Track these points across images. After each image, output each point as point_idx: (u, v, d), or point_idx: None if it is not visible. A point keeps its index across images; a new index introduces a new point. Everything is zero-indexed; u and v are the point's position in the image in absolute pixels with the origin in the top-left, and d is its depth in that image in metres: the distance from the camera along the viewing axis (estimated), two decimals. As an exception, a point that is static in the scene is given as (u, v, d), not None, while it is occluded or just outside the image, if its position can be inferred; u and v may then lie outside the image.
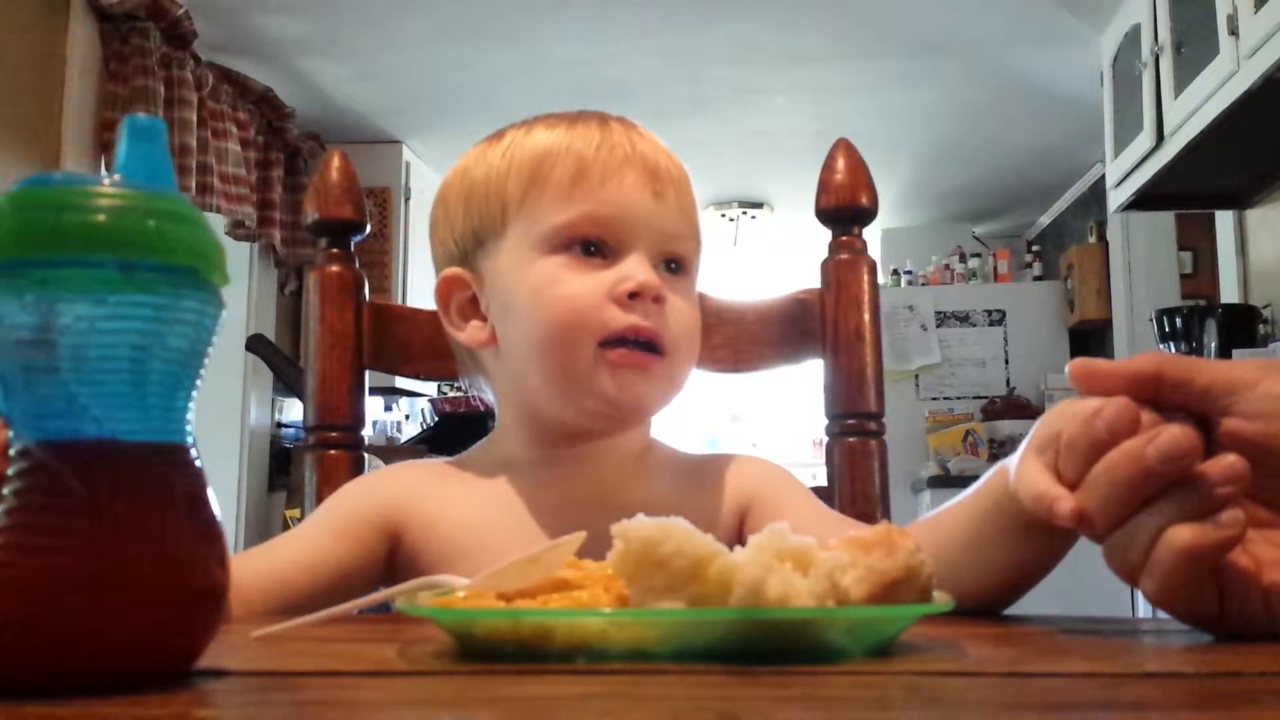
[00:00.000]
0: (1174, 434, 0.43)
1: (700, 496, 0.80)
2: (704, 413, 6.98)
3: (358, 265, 0.99)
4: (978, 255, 5.14)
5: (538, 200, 0.75)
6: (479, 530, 0.77)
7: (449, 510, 0.78)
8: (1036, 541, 0.55)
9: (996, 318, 4.90)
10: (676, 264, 0.78)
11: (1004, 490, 0.53)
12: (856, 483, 0.95)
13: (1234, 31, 2.28)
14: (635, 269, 0.74)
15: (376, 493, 0.80)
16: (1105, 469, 0.45)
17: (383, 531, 0.78)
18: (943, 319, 4.90)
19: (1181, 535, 0.43)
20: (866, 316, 0.96)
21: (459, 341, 0.82)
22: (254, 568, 0.72)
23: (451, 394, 4.19)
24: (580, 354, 0.73)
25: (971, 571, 0.57)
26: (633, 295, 0.73)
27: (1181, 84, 2.58)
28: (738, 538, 0.78)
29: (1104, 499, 0.45)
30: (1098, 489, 0.45)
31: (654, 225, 0.76)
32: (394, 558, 0.78)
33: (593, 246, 0.75)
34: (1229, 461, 0.44)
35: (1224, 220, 3.32)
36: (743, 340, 0.99)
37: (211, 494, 0.39)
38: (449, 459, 0.84)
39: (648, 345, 0.74)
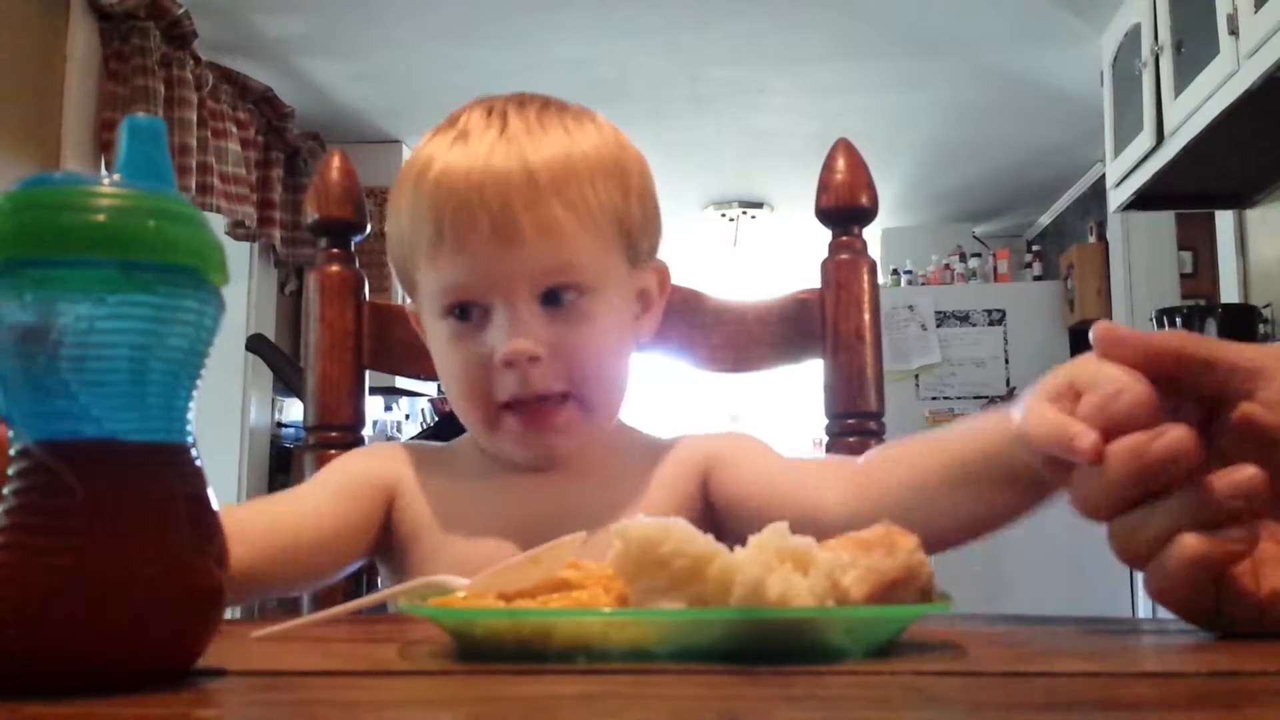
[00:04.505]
0: (1178, 435, 0.43)
1: (661, 468, 0.81)
2: (704, 413, 6.98)
3: (358, 265, 0.99)
4: (978, 255, 5.13)
5: (426, 265, 0.75)
6: (453, 504, 0.80)
7: (430, 482, 0.81)
8: (1015, 495, 0.56)
9: (996, 317, 4.90)
10: (565, 293, 0.74)
11: (999, 439, 0.53)
12: (856, 483, 0.95)
13: (1234, 31, 2.29)
14: (496, 338, 0.73)
15: (376, 460, 0.84)
16: (1111, 456, 0.44)
17: (380, 495, 0.81)
18: (943, 319, 4.90)
19: (1192, 545, 0.44)
20: (866, 316, 0.96)
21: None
22: (259, 511, 0.76)
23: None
24: (479, 417, 0.76)
25: (945, 516, 0.60)
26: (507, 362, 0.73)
27: (1181, 84, 2.58)
28: (703, 505, 0.79)
29: (1107, 484, 0.45)
30: (1104, 472, 0.45)
31: (515, 274, 0.72)
32: (387, 522, 0.81)
33: (463, 311, 0.75)
34: (1248, 474, 0.44)
35: (1224, 220, 3.32)
36: (743, 340, 0.99)
37: (211, 494, 0.39)
38: (441, 444, 0.87)
39: (546, 397, 0.74)
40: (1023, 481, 0.53)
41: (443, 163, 0.74)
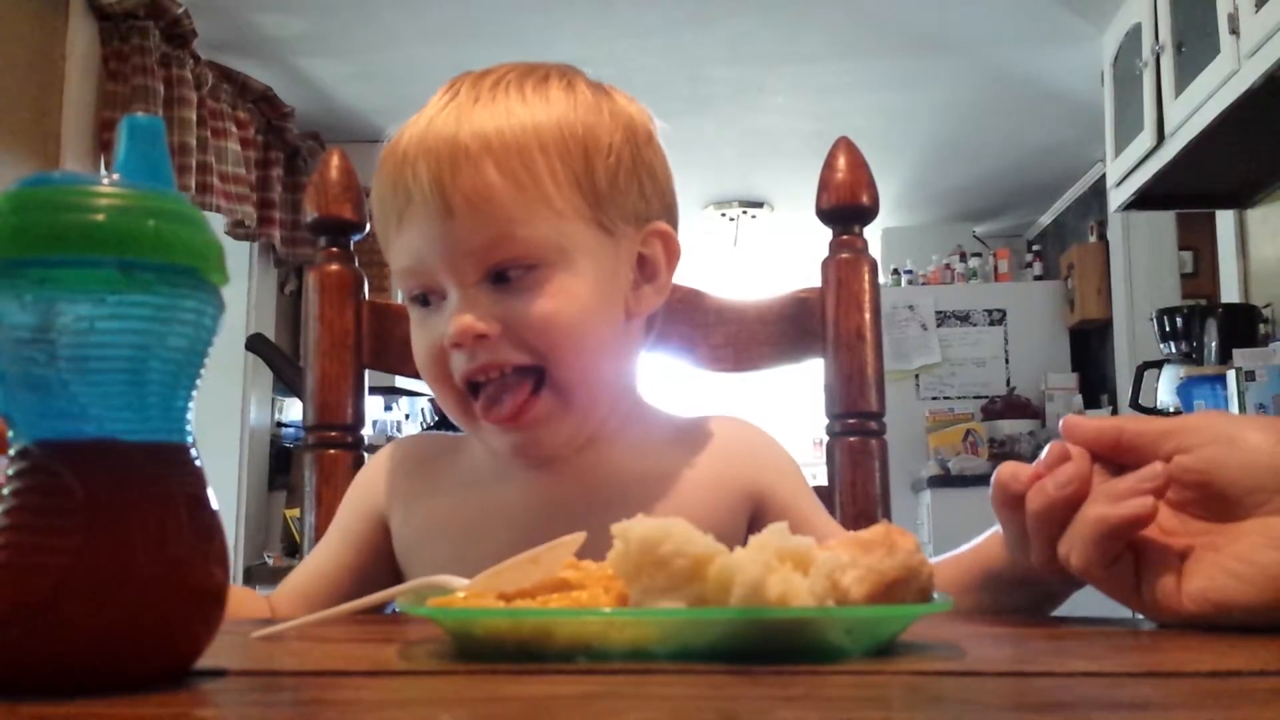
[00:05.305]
0: (1067, 469, 0.54)
1: (695, 466, 0.77)
2: (703, 412, 6.96)
3: (357, 264, 0.99)
4: (978, 255, 5.13)
5: (387, 250, 0.74)
6: (447, 516, 0.78)
7: (421, 502, 0.79)
8: (1024, 595, 0.63)
9: (997, 317, 4.90)
10: (512, 269, 0.70)
11: (996, 548, 0.62)
12: (857, 482, 0.95)
13: (1235, 31, 2.28)
14: (443, 321, 0.70)
15: (366, 485, 0.83)
16: (1028, 499, 0.54)
17: (375, 526, 0.80)
18: (943, 318, 4.90)
19: (1094, 509, 0.52)
20: (867, 316, 0.96)
21: None
22: (287, 590, 0.79)
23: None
24: (454, 408, 0.74)
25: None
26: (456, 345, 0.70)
27: (1182, 83, 2.58)
28: (744, 530, 0.77)
29: (1030, 519, 0.54)
30: (1031, 526, 0.55)
31: (456, 251, 0.69)
32: (390, 548, 0.80)
33: (424, 298, 0.73)
34: (1147, 468, 0.53)
35: (1224, 220, 3.32)
36: (743, 340, 0.99)
37: (211, 494, 0.39)
38: (455, 437, 0.84)
39: (522, 372, 0.70)
40: (1028, 581, 0.60)
41: (393, 142, 0.73)
